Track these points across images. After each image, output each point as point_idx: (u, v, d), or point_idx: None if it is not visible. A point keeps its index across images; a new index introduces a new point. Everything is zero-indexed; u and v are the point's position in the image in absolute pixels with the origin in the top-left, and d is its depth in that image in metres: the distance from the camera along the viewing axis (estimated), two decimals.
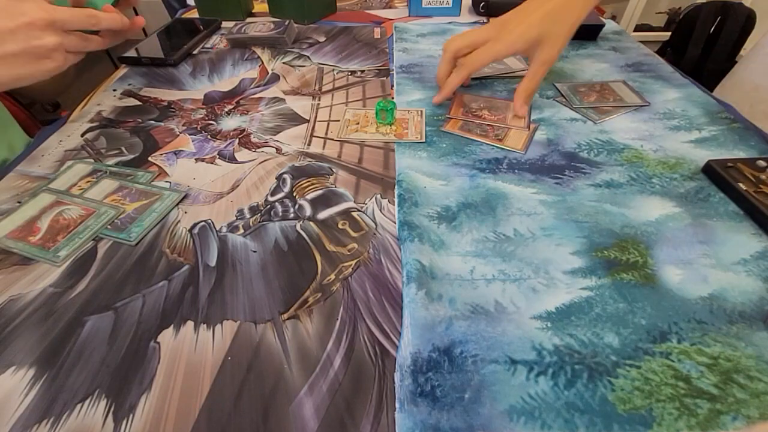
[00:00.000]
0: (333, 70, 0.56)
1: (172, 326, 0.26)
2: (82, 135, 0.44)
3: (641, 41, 0.61)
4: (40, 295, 0.28)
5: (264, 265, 0.30)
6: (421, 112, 0.45)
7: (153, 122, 0.46)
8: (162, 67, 0.57)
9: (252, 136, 0.43)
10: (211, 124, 0.45)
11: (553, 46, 0.41)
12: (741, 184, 0.33)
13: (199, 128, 0.45)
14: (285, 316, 0.26)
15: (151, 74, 0.56)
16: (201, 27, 0.67)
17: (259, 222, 0.33)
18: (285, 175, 0.38)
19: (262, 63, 0.58)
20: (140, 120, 0.46)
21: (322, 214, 0.33)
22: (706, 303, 0.26)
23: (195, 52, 0.62)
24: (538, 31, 0.40)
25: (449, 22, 0.69)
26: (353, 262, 0.30)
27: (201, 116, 0.47)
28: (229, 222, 0.33)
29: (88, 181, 0.37)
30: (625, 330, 0.25)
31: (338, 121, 0.45)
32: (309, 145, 0.42)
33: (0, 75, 0.34)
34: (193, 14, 0.75)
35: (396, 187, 0.36)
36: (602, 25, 0.61)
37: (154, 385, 0.23)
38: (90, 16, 0.38)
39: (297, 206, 0.34)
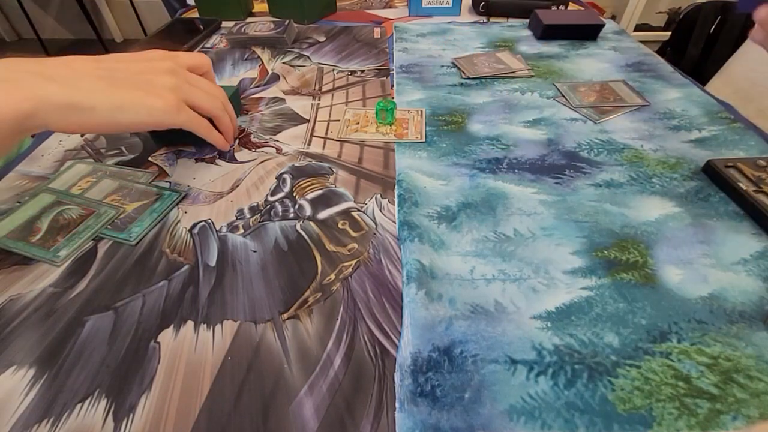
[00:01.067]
0: (333, 70, 0.56)
1: (172, 326, 0.26)
2: (82, 135, 0.44)
3: (641, 41, 0.61)
4: (40, 295, 0.28)
5: (264, 265, 0.30)
6: (421, 112, 0.45)
7: None
8: None
9: (252, 135, 0.43)
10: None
11: None
12: (741, 184, 0.33)
13: None
14: (285, 316, 0.26)
15: None
16: (201, 27, 0.67)
17: (259, 222, 0.33)
18: (285, 175, 0.38)
19: (262, 63, 0.58)
20: None
21: (322, 214, 0.33)
22: (706, 303, 0.26)
23: (195, 51, 0.62)
24: None
25: (449, 22, 0.69)
26: (353, 262, 0.30)
27: None
28: (229, 222, 0.33)
29: (88, 181, 0.37)
30: (625, 330, 0.25)
31: (338, 121, 0.45)
32: (309, 145, 0.42)
33: (102, 96, 0.30)
34: (193, 14, 0.75)
35: (396, 187, 0.36)
36: (602, 25, 0.61)
37: (154, 385, 0.23)
38: (214, 95, 0.36)
39: (297, 206, 0.34)
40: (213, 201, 0.35)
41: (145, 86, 0.32)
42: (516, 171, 0.37)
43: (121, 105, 0.30)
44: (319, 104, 0.48)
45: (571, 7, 0.71)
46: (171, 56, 0.35)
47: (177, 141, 0.41)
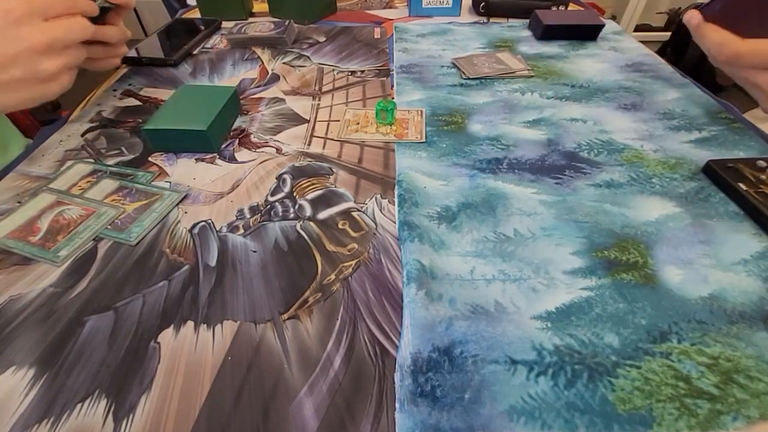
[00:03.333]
0: (333, 70, 0.56)
1: (172, 326, 0.26)
2: (83, 135, 0.44)
3: (641, 41, 0.61)
4: (40, 295, 0.28)
5: (264, 265, 0.30)
6: (421, 112, 0.45)
7: None
8: (162, 67, 0.57)
9: (252, 136, 0.43)
10: None
11: None
12: (741, 184, 0.33)
13: None
14: (285, 316, 0.26)
15: (151, 74, 0.56)
16: (201, 27, 0.67)
17: (259, 222, 0.33)
18: (285, 175, 0.38)
19: (262, 63, 0.58)
20: (140, 120, 0.46)
21: (322, 214, 0.33)
22: (706, 303, 0.26)
23: (195, 52, 0.62)
24: None
25: (449, 22, 0.69)
26: (353, 262, 0.30)
27: None
28: (229, 222, 0.33)
29: (88, 181, 0.37)
30: (625, 330, 0.25)
31: (338, 121, 0.45)
32: (309, 145, 0.42)
33: (6, 99, 0.33)
34: (195, 14, 0.75)
35: (396, 187, 0.36)
36: (602, 25, 0.61)
37: (154, 385, 0.23)
38: (85, 27, 0.36)
39: (297, 206, 0.34)
40: (213, 201, 0.35)
41: (40, 78, 0.34)
42: (516, 171, 0.37)
43: (26, 101, 0.34)
44: (319, 104, 0.48)
45: (571, 7, 0.71)
46: (43, 32, 0.33)
47: (175, 147, 0.41)
